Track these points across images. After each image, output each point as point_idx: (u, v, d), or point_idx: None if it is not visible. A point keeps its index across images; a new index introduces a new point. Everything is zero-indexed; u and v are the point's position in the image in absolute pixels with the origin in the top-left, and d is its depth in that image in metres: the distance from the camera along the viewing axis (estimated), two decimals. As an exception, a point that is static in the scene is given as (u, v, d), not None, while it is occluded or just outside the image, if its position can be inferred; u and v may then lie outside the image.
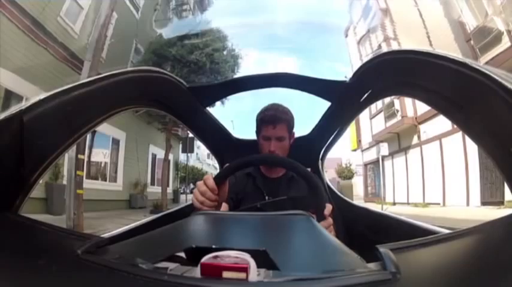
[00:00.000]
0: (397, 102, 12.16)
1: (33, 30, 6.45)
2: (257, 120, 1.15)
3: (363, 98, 1.11)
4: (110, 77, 0.70)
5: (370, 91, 1.06)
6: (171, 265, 0.37)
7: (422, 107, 10.85)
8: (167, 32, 9.61)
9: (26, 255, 0.37)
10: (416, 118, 11.65)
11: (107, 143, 9.48)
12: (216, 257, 0.33)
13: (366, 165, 16.44)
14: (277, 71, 1.18)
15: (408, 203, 11.79)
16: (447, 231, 0.52)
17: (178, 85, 1.06)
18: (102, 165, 9.44)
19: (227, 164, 0.84)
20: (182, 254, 0.39)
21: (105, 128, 8.72)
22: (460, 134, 8.97)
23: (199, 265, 0.33)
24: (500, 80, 0.47)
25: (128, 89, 0.83)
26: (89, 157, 8.22)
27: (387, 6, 12.06)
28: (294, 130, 1.18)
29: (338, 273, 0.33)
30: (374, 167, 14.82)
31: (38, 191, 6.50)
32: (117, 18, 7.22)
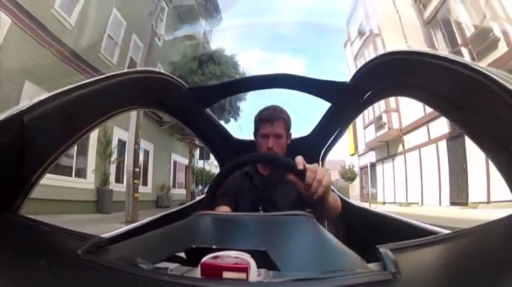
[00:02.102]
0: (384, 116, 12.46)
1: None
2: (255, 120, 1.06)
3: (363, 99, 1.00)
4: (111, 77, 0.63)
5: (370, 92, 0.95)
6: (171, 265, 0.32)
7: (406, 120, 11.34)
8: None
9: (26, 255, 0.33)
10: (401, 130, 11.90)
11: (140, 153, 9.71)
12: (216, 257, 0.29)
13: (361, 169, 16.38)
14: (277, 72, 1.07)
15: (395, 203, 11.95)
16: (447, 231, 0.46)
17: (179, 86, 0.96)
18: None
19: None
20: (182, 255, 0.34)
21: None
22: (434, 144, 9.54)
23: (199, 265, 0.28)
24: (500, 80, 0.41)
25: (129, 90, 0.74)
26: (120, 165, 8.40)
27: (380, 32, 12.21)
28: (293, 132, 1.10)
29: (338, 273, 0.28)
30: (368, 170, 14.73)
31: (90, 195, 6.81)
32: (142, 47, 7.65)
